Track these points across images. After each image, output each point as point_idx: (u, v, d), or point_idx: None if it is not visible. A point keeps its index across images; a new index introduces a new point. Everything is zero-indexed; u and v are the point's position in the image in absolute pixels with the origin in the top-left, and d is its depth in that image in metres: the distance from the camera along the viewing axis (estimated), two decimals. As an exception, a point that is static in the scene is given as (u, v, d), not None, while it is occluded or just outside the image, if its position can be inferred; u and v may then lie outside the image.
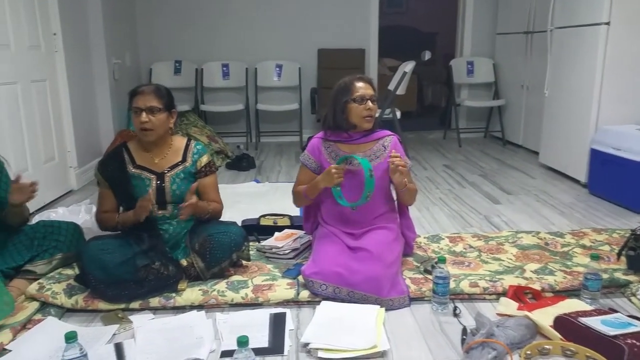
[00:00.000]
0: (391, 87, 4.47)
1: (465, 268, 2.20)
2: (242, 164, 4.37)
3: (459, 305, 1.93)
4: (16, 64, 2.99)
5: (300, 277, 2.07)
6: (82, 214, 2.61)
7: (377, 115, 2.21)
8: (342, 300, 1.93)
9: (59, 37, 3.46)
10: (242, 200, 3.35)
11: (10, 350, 1.65)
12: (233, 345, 1.65)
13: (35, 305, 1.91)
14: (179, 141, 2.23)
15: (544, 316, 1.77)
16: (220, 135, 4.96)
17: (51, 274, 2.09)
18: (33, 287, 1.97)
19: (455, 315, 1.88)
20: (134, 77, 5.04)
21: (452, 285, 1.96)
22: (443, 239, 2.58)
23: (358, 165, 2.06)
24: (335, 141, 2.20)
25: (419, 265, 2.23)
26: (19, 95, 3.00)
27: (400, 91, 4.50)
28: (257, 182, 3.91)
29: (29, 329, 1.79)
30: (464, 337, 1.70)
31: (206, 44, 5.39)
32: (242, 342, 1.34)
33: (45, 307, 1.93)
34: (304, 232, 2.45)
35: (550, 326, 1.71)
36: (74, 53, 3.68)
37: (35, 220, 2.45)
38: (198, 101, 5.28)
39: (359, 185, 2.06)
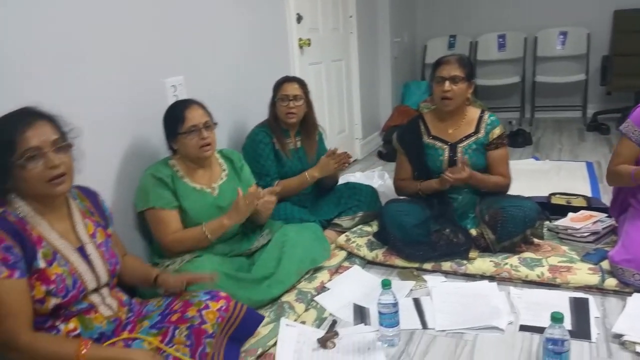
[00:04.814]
0: None
1: None
2: (517, 140, 4.14)
3: None
4: (322, 45, 3.41)
5: (603, 263, 1.88)
6: (375, 179, 2.88)
7: None
8: (660, 295, 1.68)
9: (354, 19, 3.81)
10: (518, 177, 3.14)
11: (328, 289, 1.95)
12: (532, 321, 1.63)
13: (343, 254, 2.20)
14: (473, 112, 2.25)
15: None
16: (491, 110, 4.78)
17: (354, 229, 2.36)
18: (342, 239, 2.27)
19: None
20: (409, 55, 5.23)
21: None
22: None
23: None
24: None
25: None
26: (322, 74, 3.44)
27: None
28: (536, 159, 3.67)
29: (340, 273, 2.07)
30: None
31: (482, 16, 5.22)
32: (557, 318, 1.29)
33: (350, 256, 2.20)
34: (604, 215, 2.19)
35: None
36: (364, 34, 4.01)
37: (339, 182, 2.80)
38: (470, 75, 5.19)
39: None
